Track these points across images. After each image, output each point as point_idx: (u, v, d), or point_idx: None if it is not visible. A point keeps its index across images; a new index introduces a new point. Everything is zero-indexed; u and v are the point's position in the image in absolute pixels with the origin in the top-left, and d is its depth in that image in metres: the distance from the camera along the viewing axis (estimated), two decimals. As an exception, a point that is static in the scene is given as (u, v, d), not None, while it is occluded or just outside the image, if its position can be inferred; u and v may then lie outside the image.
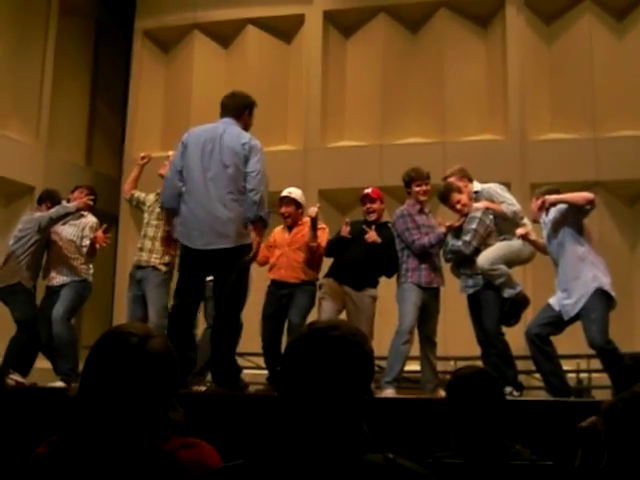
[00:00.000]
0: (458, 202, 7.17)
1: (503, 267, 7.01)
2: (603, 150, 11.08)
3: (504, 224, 7.20)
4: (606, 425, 2.65)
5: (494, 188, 7.42)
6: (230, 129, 6.28)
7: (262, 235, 6.23)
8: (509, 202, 7.22)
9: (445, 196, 7.24)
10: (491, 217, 7.18)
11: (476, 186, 7.42)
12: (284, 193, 7.76)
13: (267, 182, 6.20)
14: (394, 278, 7.38)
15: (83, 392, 2.00)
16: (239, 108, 6.41)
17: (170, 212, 6.39)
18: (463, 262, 7.19)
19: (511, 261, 7.17)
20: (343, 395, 1.80)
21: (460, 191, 7.22)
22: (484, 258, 7.00)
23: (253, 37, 12.91)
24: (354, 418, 1.82)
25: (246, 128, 6.41)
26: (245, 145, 6.15)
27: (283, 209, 7.70)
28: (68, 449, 1.95)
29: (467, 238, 7.08)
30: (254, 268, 8.14)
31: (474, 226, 7.08)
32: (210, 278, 6.58)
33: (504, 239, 7.20)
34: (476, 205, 7.20)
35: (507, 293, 7.00)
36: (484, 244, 7.12)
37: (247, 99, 6.51)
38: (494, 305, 7.00)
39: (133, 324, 2.17)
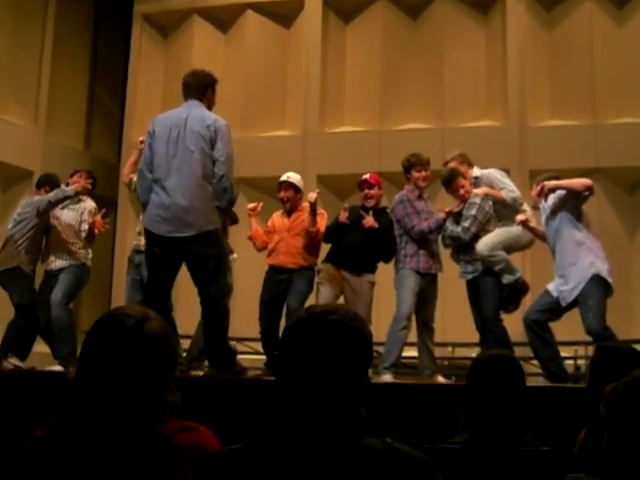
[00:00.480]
0: (462, 187, 7.16)
1: (502, 253, 7.00)
2: (603, 137, 11.06)
3: (503, 210, 7.19)
4: (607, 408, 2.66)
5: (494, 174, 7.41)
6: (194, 111, 6.07)
7: (229, 215, 6.16)
8: (509, 188, 7.21)
9: (450, 180, 7.20)
10: (490, 203, 7.17)
11: (476, 172, 7.41)
12: (283, 178, 7.74)
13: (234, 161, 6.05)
14: (392, 264, 7.38)
15: (80, 374, 1.98)
16: (201, 87, 6.22)
17: (144, 206, 6.21)
18: (462, 248, 7.18)
19: (510, 247, 7.17)
20: (341, 380, 1.79)
21: (464, 177, 7.21)
22: (483, 244, 6.99)
23: (252, 22, 12.87)
24: (352, 403, 1.81)
25: (209, 107, 6.21)
26: (210, 127, 5.95)
27: (282, 194, 7.68)
28: (65, 432, 1.93)
29: (466, 224, 7.07)
30: (252, 252, 8.15)
31: (473, 212, 7.07)
32: None
33: (503, 225, 7.19)
34: (475, 191, 7.18)
35: (506, 279, 6.99)
36: (483, 230, 7.11)
37: (209, 77, 6.30)
38: (493, 291, 7.00)
39: (131, 306, 2.12)
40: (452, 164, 7.38)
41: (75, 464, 1.88)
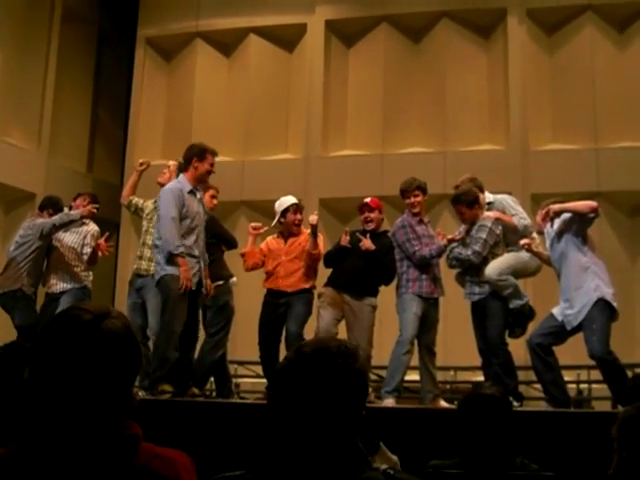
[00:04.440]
0: (475, 216, 7.13)
1: (511, 278, 6.98)
2: (604, 161, 11.08)
3: (511, 236, 7.17)
4: (620, 432, 2.65)
5: (507, 200, 7.41)
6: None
7: (182, 264, 6.67)
8: (521, 215, 7.21)
9: (473, 203, 7.15)
10: (500, 228, 7.14)
11: (488, 197, 7.37)
12: (294, 201, 7.70)
13: (171, 214, 6.74)
14: (393, 287, 7.37)
15: (32, 380, 1.77)
16: (186, 160, 6.96)
17: None
18: (469, 269, 7.15)
19: (518, 272, 7.15)
20: (337, 416, 1.78)
21: (480, 204, 7.16)
22: (492, 268, 6.96)
23: (255, 46, 12.93)
24: (350, 438, 1.80)
25: (198, 175, 6.91)
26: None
27: (299, 216, 7.68)
28: (27, 453, 1.69)
29: (477, 248, 7.02)
30: (253, 276, 8.14)
31: (484, 236, 7.04)
32: (218, 283, 7.35)
33: (510, 251, 7.17)
34: (487, 214, 7.15)
35: (514, 304, 6.97)
36: (491, 254, 7.08)
37: (194, 148, 7.01)
38: (499, 315, 6.97)
39: (91, 303, 1.89)
40: (461, 188, 7.34)
41: None
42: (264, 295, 7.65)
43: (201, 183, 7.05)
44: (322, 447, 1.77)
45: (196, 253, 6.78)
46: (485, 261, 7.04)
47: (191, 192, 6.85)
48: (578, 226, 6.63)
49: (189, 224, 6.77)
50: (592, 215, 6.62)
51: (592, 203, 6.71)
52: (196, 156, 6.89)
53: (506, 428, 3.14)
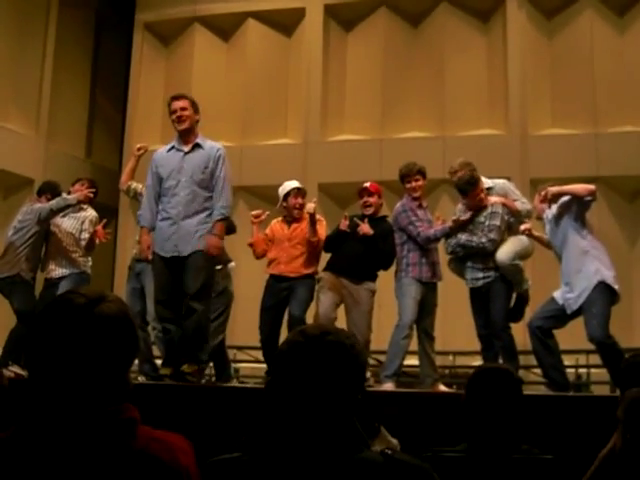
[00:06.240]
0: (481, 191, 7.08)
1: (520, 262, 7.00)
2: (604, 145, 11.07)
3: (511, 221, 7.16)
4: (626, 413, 2.65)
5: (508, 185, 7.41)
6: None
7: (140, 234, 6.88)
8: (522, 200, 7.23)
9: (472, 185, 7.07)
10: (507, 213, 7.13)
11: (487, 182, 7.33)
12: (296, 185, 7.67)
13: (146, 182, 6.82)
14: (392, 272, 7.36)
15: (28, 365, 1.80)
16: None
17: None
18: (472, 255, 7.10)
19: (522, 256, 7.15)
20: (340, 397, 1.80)
21: (481, 183, 7.14)
22: (504, 254, 6.93)
23: (254, 30, 12.90)
24: (349, 418, 1.82)
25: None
26: None
27: (300, 200, 7.63)
28: (25, 439, 1.70)
29: (493, 236, 6.94)
30: (252, 260, 8.13)
31: (497, 223, 6.99)
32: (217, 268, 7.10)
33: (510, 235, 7.17)
34: (494, 199, 7.12)
35: (520, 288, 6.99)
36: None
37: None
38: (504, 298, 6.96)
39: (88, 288, 1.89)
40: (460, 173, 7.26)
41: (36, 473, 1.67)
42: (267, 280, 7.63)
43: (183, 136, 6.93)
44: (320, 427, 1.78)
45: (170, 214, 6.56)
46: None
47: (172, 149, 6.85)
48: (576, 210, 6.64)
49: (166, 185, 6.62)
50: (590, 198, 6.64)
51: (590, 186, 6.73)
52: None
53: (516, 405, 3.13)
